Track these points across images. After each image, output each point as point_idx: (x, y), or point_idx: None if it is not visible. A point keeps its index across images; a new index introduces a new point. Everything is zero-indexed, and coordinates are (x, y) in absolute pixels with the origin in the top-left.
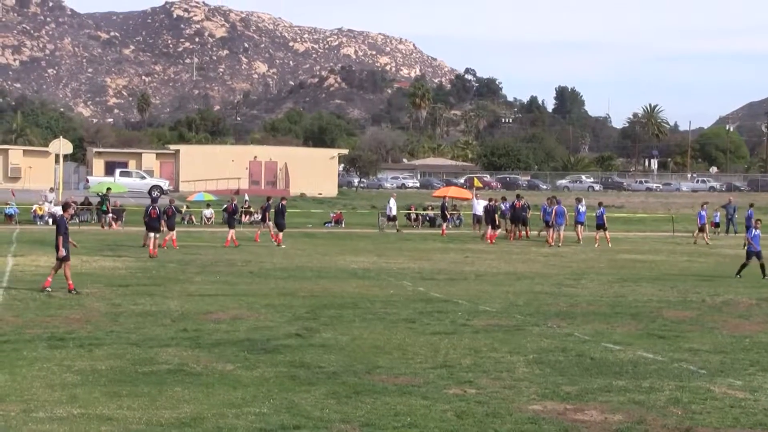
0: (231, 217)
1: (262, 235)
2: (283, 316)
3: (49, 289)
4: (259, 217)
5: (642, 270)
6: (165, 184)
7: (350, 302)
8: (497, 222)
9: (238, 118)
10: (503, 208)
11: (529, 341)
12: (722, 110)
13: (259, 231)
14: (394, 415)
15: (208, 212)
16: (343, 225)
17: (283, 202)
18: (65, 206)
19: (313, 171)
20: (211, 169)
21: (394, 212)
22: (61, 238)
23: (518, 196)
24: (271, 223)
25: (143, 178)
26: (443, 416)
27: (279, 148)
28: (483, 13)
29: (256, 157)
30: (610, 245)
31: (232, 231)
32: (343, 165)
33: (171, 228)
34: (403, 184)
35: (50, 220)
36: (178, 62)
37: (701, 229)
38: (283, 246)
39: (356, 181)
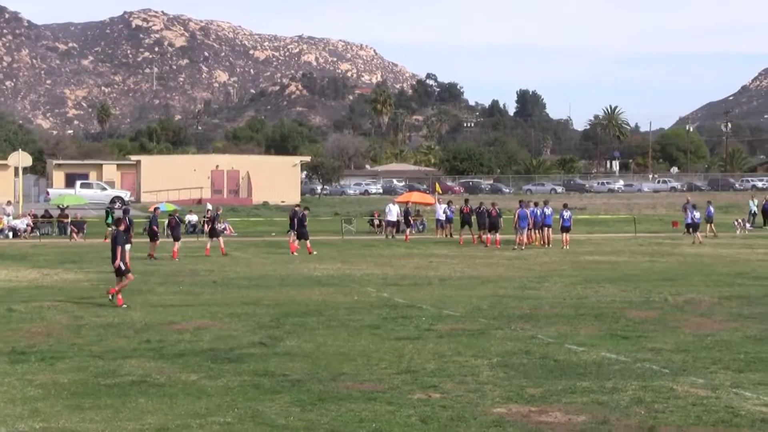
0: (175, 230)
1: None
2: (247, 325)
3: (125, 306)
4: (223, 227)
5: (605, 271)
6: (126, 195)
7: (314, 310)
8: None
9: (200, 128)
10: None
11: (493, 345)
12: (682, 111)
13: (207, 243)
14: (359, 422)
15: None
16: (287, 233)
17: (306, 212)
18: (118, 221)
19: (275, 179)
20: (172, 179)
21: (394, 218)
22: (119, 251)
23: (466, 201)
24: (292, 232)
25: (104, 189)
26: (408, 421)
27: (241, 157)
28: (443, 18)
29: (218, 166)
30: (566, 247)
31: (177, 243)
32: (305, 172)
33: (176, 239)
34: (366, 191)
35: (10, 234)
36: (137, 72)
37: (708, 221)
38: (315, 252)
39: (319, 188)
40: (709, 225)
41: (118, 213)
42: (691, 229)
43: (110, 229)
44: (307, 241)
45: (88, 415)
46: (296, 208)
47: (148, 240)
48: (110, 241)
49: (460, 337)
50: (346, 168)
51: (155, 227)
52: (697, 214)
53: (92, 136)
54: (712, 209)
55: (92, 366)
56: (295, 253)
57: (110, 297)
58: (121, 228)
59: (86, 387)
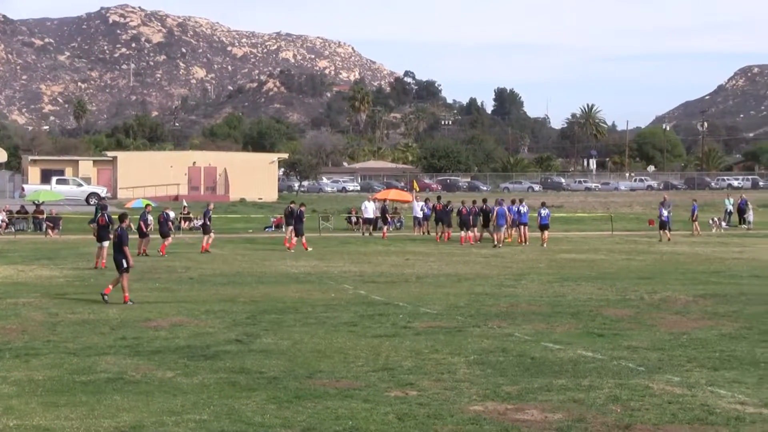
0: (163, 226)
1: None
2: (224, 322)
3: (131, 303)
4: (200, 224)
5: (581, 269)
6: (103, 192)
7: (291, 307)
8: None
9: (177, 124)
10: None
11: (470, 342)
12: (659, 110)
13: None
14: (336, 419)
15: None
16: (283, 229)
17: (302, 209)
18: (122, 216)
19: (252, 176)
20: (149, 175)
21: (370, 215)
22: (126, 249)
23: (438, 198)
24: (289, 228)
25: (80, 185)
26: (385, 419)
27: (218, 154)
28: (422, 16)
29: (195, 162)
30: (545, 245)
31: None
32: (283, 169)
33: (164, 235)
34: (344, 188)
35: None
36: (114, 68)
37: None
38: (311, 249)
39: (296, 185)
40: (694, 223)
41: (105, 208)
42: (662, 228)
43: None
44: (303, 237)
45: (63, 412)
46: (292, 205)
47: (138, 237)
48: (114, 238)
49: (437, 335)
50: (324, 165)
51: (143, 225)
52: (665, 212)
53: (68, 132)
54: (696, 207)
55: (67, 363)
56: (292, 250)
57: (105, 297)
58: (124, 225)
59: (61, 384)
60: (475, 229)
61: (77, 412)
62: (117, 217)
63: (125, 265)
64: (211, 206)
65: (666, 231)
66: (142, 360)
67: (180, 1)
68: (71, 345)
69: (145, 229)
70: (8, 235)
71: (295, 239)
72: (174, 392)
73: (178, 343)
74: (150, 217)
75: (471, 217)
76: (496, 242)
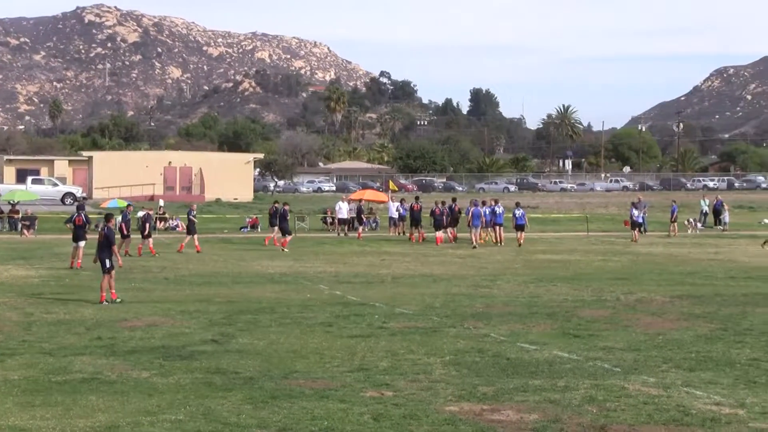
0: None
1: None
2: (199, 322)
3: (119, 300)
4: (174, 224)
5: (557, 270)
6: (78, 191)
7: (267, 307)
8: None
9: (152, 124)
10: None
11: (446, 343)
12: (634, 110)
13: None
14: (312, 419)
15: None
16: (259, 230)
17: (286, 207)
18: (108, 216)
19: (228, 176)
20: (125, 175)
21: (345, 215)
22: (114, 249)
23: (417, 198)
24: (276, 229)
25: (56, 185)
26: (360, 419)
27: (194, 154)
28: (397, 16)
29: (170, 162)
30: (520, 246)
31: (150, 240)
32: (258, 169)
33: (145, 236)
34: (320, 188)
35: None
36: (90, 68)
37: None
38: (287, 250)
39: (272, 185)
40: (672, 224)
41: (82, 208)
42: (637, 228)
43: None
44: (287, 237)
45: (39, 412)
46: (276, 205)
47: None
48: (99, 237)
49: (412, 335)
50: (300, 165)
51: (125, 225)
52: (636, 212)
53: (44, 131)
54: (676, 208)
55: (43, 363)
56: (285, 249)
57: (114, 301)
58: (111, 224)
59: (37, 384)
60: (449, 229)
61: (53, 412)
62: (104, 216)
63: (108, 264)
64: (194, 207)
65: (635, 231)
66: (118, 360)
67: (156, 1)
68: (47, 345)
69: (126, 231)
70: None
71: (278, 237)
72: (150, 392)
73: (154, 343)
74: (152, 215)
75: (444, 218)
76: (474, 243)
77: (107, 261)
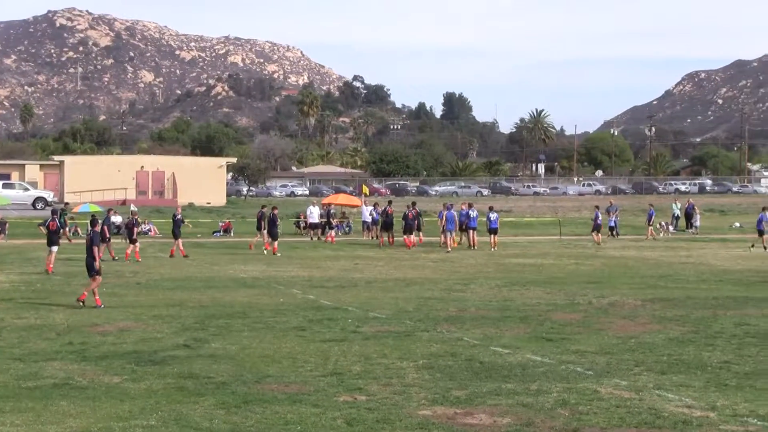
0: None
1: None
2: (171, 327)
3: (82, 304)
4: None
5: (530, 273)
6: (49, 196)
7: (239, 312)
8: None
9: (125, 128)
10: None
11: (419, 347)
12: (607, 114)
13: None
14: (284, 424)
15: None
16: (232, 234)
17: (275, 212)
18: (94, 221)
19: (201, 180)
20: (97, 179)
21: (316, 219)
22: (96, 251)
23: (390, 203)
24: (264, 232)
25: (27, 189)
26: (333, 424)
27: (166, 158)
28: (370, 20)
29: (143, 167)
30: (494, 249)
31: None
32: (231, 174)
33: (132, 241)
34: (293, 192)
35: None
36: (61, 72)
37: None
38: (279, 255)
39: (245, 189)
40: (649, 228)
41: (56, 212)
42: (612, 232)
43: (42, 229)
44: (275, 242)
45: (9, 418)
46: (263, 209)
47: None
48: (86, 242)
49: (385, 339)
50: (273, 169)
51: (107, 229)
52: (600, 216)
53: (15, 135)
54: (653, 212)
55: (13, 368)
56: (278, 254)
57: (81, 303)
58: (96, 229)
59: (7, 390)
60: (420, 232)
61: (23, 418)
62: (89, 221)
63: (95, 268)
64: (180, 209)
65: (597, 234)
66: (89, 365)
67: (128, 5)
68: (17, 350)
69: (108, 234)
70: None
71: (268, 241)
72: (121, 398)
73: (126, 348)
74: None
75: (415, 221)
76: (448, 247)
77: (93, 264)
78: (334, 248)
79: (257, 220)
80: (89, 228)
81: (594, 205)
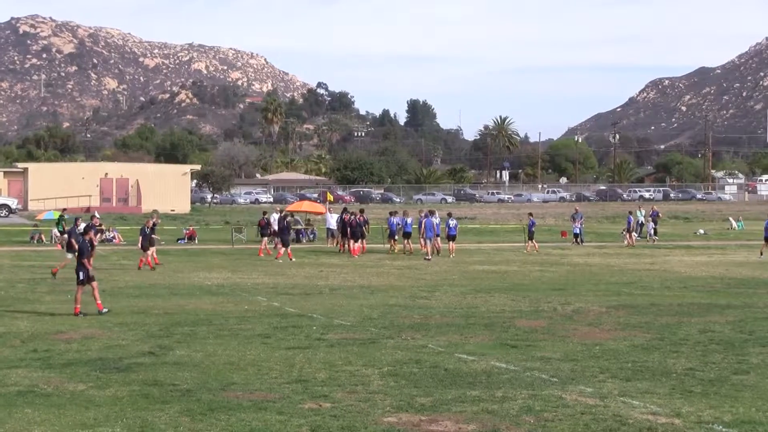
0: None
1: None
2: (136, 335)
3: (105, 310)
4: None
5: (495, 280)
6: (13, 203)
7: (204, 319)
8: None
9: (88, 135)
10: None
11: (384, 354)
12: (571, 121)
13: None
14: (250, 431)
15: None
16: (196, 241)
17: (287, 220)
18: (86, 229)
19: (165, 187)
20: (61, 186)
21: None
22: (86, 261)
23: (345, 209)
24: (264, 239)
25: None
26: (299, 431)
27: (130, 165)
28: (334, 27)
29: (107, 174)
30: (452, 256)
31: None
32: (195, 181)
33: (145, 249)
34: (257, 200)
35: None
36: (25, 79)
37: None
38: (294, 259)
39: (209, 197)
40: (629, 234)
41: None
42: (577, 239)
43: (53, 236)
44: (288, 248)
45: None
46: (266, 216)
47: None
48: (77, 251)
49: (350, 347)
50: (237, 177)
51: (73, 239)
52: (535, 223)
53: None
54: (632, 219)
55: None
56: (279, 260)
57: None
58: (87, 238)
59: None
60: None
61: None
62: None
63: (82, 276)
64: (154, 220)
65: (533, 242)
66: (54, 373)
67: (91, 12)
68: None
69: (75, 245)
70: None
71: (282, 250)
72: (86, 405)
73: (90, 356)
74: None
75: (361, 228)
76: (429, 255)
77: (80, 273)
78: (299, 255)
79: (260, 227)
80: (80, 237)
81: (528, 213)
